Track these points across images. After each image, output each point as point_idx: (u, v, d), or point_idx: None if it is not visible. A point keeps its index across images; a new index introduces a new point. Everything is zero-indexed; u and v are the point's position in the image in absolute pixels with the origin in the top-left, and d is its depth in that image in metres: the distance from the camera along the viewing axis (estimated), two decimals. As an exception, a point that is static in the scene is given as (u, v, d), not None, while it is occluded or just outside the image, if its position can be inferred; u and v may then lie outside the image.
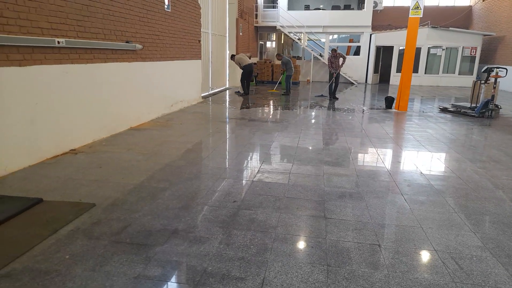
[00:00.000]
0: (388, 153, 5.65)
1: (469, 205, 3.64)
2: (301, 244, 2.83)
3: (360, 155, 5.52)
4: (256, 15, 18.34)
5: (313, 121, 8.23)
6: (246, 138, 6.35)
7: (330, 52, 12.35)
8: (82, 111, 5.43)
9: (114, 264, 2.50)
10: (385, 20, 20.74)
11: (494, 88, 8.82)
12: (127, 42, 6.49)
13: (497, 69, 8.85)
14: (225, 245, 2.78)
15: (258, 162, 4.98)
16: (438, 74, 17.82)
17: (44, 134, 4.72)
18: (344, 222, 3.21)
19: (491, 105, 8.82)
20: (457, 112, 9.44)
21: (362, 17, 18.28)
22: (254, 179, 4.26)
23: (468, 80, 17.44)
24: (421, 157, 5.44)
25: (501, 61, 16.39)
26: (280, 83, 14.88)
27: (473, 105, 9.21)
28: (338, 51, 12.23)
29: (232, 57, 12.53)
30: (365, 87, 16.91)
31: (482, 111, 8.85)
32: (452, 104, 9.84)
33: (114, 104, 6.24)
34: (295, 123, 7.83)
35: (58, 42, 4.83)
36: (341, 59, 11.95)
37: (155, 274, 2.41)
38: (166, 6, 8.00)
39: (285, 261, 2.59)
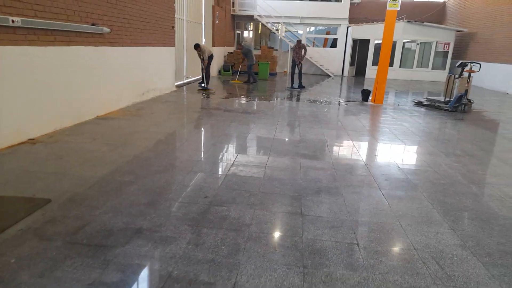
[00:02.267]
0: (365, 146, 5.55)
1: (447, 201, 3.56)
2: (276, 244, 2.64)
3: (336, 148, 5.39)
4: (233, 3, 17.92)
5: (289, 112, 8.06)
6: (221, 129, 6.09)
7: (296, 42, 12.60)
8: (43, 97, 5.01)
9: (67, 269, 2.22)
10: (361, 13, 20.77)
11: (468, 82, 8.92)
12: (93, 24, 6.05)
13: (471, 64, 8.94)
14: (194, 246, 2.55)
15: (233, 154, 4.75)
16: (412, 68, 18.05)
17: (-3, 122, 4.31)
18: (321, 220, 3.04)
19: (464, 100, 8.93)
20: (431, 106, 9.52)
21: (340, 10, 18.21)
22: (228, 173, 4.03)
23: (441, 75, 17.79)
24: (398, 150, 5.37)
25: (472, 56, 16.75)
26: (238, 72, 14.24)
27: (447, 99, 9.30)
28: (302, 43, 12.57)
29: (197, 46, 10.87)
30: (341, 80, 16.91)
31: (456, 105, 8.94)
32: (426, 98, 9.91)
33: (79, 90, 5.82)
34: (271, 114, 7.63)
35: (13, 21, 4.39)
36: (303, 50, 12.25)
37: (113, 280, 2.15)
38: (137, -12, 7.56)
39: (258, 263, 2.39)
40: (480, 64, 9.08)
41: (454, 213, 3.30)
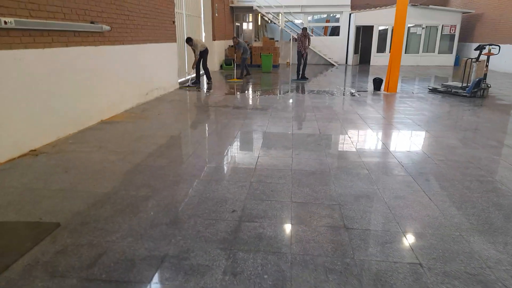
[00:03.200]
0: (392, 140, 5.17)
1: (502, 203, 3.18)
2: (327, 269, 2.26)
3: (361, 144, 4.98)
4: (232, -6, 17.39)
5: (301, 106, 7.65)
6: (234, 129, 5.70)
7: (301, 30, 11.89)
8: (42, 104, 4.61)
9: (87, 318, 1.85)
10: (363, -1, 20.18)
11: (487, 66, 8.49)
12: (92, 22, 5.62)
13: (490, 47, 8.50)
14: (232, 276, 2.17)
15: (253, 157, 4.36)
16: (418, 53, 17.56)
17: (-6, 134, 3.91)
18: (369, 234, 2.67)
19: (483, 84, 8.51)
20: (448, 92, 9.10)
21: (341, -4, 17.66)
22: (252, 180, 3.64)
23: (448, 59, 17.35)
24: (428, 144, 4.97)
25: (479, 39, 16.27)
26: (235, 69, 12.77)
27: (464, 84, 8.87)
28: (307, 31, 11.91)
29: (189, 40, 10.02)
30: (346, 69, 16.45)
31: (474, 91, 8.53)
32: (442, 84, 9.48)
33: (80, 94, 5.41)
34: (282, 110, 7.22)
35: (5, 23, 3.97)
36: (307, 40, 11.63)
37: (144, 330, 1.78)
38: (135, -18, 7.10)
39: (312, 296, 2.02)
40: (499, 47, 8.64)
41: (515, 217, 2.92)
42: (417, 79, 12.65)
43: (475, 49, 8.57)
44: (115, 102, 6.48)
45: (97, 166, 3.96)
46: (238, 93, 9.43)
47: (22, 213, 2.91)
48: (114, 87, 6.43)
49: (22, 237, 2.59)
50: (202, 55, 10.25)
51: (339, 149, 4.73)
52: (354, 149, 4.71)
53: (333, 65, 17.78)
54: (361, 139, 5.23)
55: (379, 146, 4.87)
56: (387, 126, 5.97)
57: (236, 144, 4.95)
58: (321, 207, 3.07)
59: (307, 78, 12.14)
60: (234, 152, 4.59)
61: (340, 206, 3.08)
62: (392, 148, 4.76)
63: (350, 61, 18.34)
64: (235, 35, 15.56)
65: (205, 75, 10.69)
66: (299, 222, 2.82)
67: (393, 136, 5.41)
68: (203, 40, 13.47)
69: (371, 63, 17.84)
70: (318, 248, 2.47)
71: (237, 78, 12.00)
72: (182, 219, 2.85)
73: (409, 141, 5.11)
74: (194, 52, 10.24)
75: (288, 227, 2.74)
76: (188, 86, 10.27)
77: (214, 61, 14.69)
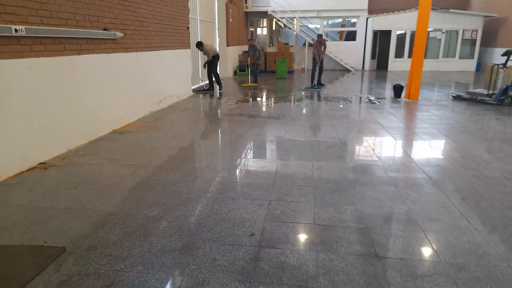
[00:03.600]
0: (419, 153, 4.84)
1: (551, 227, 2.85)
2: (360, 309, 1.99)
3: (386, 158, 4.66)
4: None
5: (319, 115, 7.36)
6: (249, 139, 5.46)
7: (317, 37, 11.58)
8: (53, 114, 4.46)
9: None
10: (380, 3, 19.77)
11: (515, 72, 8.07)
12: (105, 29, 5.48)
13: (518, 52, 8.08)
14: (253, 317, 1.92)
15: (271, 172, 4.10)
16: (438, 58, 17.05)
17: (4, 145, 3.75)
18: (405, 264, 2.37)
19: (511, 92, 8.08)
20: (473, 99, 8.68)
21: (358, 0, 17.32)
22: (271, 198, 3.39)
23: (469, 64, 16.82)
24: (458, 158, 4.62)
25: (503, 43, 15.71)
26: (249, 74, 12.52)
27: (490, 91, 8.45)
28: (324, 37, 11.54)
29: (199, 45, 9.72)
30: (363, 74, 16.08)
31: (501, 98, 8.10)
32: (466, 91, 9.07)
33: (92, 104, 5.26)
34: (300, 119, 6.96)
35: (16, 31, 3.83)
36: (323, 46, 11.31)
37: None
38: (149, -12, 6.97)
39: None
40: (529, 52, 8.21)
41: None
42: (438, 85, 12.23)
43: (503, 55, 8.16)
44: (127, 111, 6.32)
45: (107, 181, 3.77)
46: (252, 100, 9.21)
47: (26, 235, 2.71)
48: (127, 96, 6.28)
49: (24, 263, 2.39)
50: (212, 61, 10.03)
51: (362, 162, 4.44)
52: (379, 163, 4.40)
53: (349, 70, 17.43)
54: (385, 151, 4.92)
55: (405, 159, 4.56)
56: (412, 137, 5.65)
57: (252, 157, 4.70)
58: (348, 231, 2.79)
59: (323, 85, 11.82)
60: (251, 166, 4.34)
61: (369, 230, 2.80)
62: (419, 161, 4.44)
63: (367, 67, 17.96)
64: (250, 39, 15.13)
65: (215, 82, 10.40)
66: (326, 248, 2.55)
67: (419, 148, 5.08)
68: (217, 46, 13.30)
69: (388, 69, 17.41)
70: (349, 282, 2.19)
71: (252, 83, 11.90)
72: (196, 244, 2.61)
73: (437, 154, 4.78)
74: (209, 56, 9.95)
75: (313, 255, 2.47)
76: (204, 91, 10.12)
77: (228, 67, 14.53)
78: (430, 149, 4.99)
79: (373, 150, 4.95)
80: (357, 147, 5.15)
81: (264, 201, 3.33)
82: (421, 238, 2.70)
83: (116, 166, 4.22)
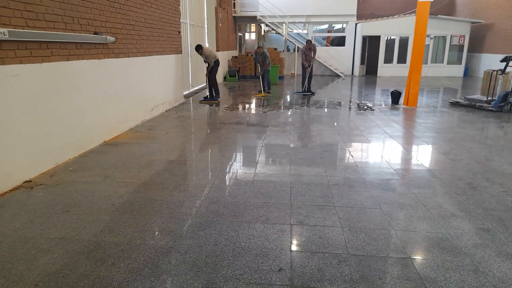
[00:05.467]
0: (448, 168, 4.57)
1: None
2: None
3: (400, 170, 4.38)
4: (234, 3, 16.93)
5: (320, 123, 7.07)
6: (255, 151, 5.10)
7: (306, 43, 11.15)
8: (39, 126, 4.00)
9: None
10: (367, 9, 19.81)
11: (514, 79, 7.99)
12: (95, 33, 5.04)
13: (518, 58, 8.01)
14: None
15: (284, 189, 3.74)
16: (426, 64, 17.06)
17: (-19, 166, 3.29)
18: (465, 305, 2.06)
19: (510, 98, 7.99)
20: (471, 106, 8.57)
21: (347, 6, 17.23)
22: (292, 222, 3.03)
23: (457, 70, 16.94)
24: (468, 170, 4.38)
25: (489, 49, 15.87)
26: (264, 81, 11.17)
27: (489, 98, 8.34)
28: (313, 43, 11.24)
29: (199, 48, 9.15)
30: (353, 80, 15.95)
31: (501, 105, 8.00)
32: (465, 97, 8.96)
33: (81, 113, 4.81)
34: (302, 127, 6.65)
35: (-3, 33, 3.38)
36: (312, 52, 10.93)
37: None
38: (141, -11, 6.55)
39: None
40: (528, 58, 8.15)
41: None
42: (430, 91, 12.15)
43: (501, 61, 8.08)
44: (119, 121, 5.87)
45: (103, 203, 3.34)
46: (249, 107, 8.85)
47: (12, 278, 2.27)
48: (118, 104, 5.83)
49: (11, 315, 1.96)
50: (213, 67, 9.43)
51: (381, 177, 4.13)
52: (397, 177, 4.11)
53: (339, 76, 17.29)
54: (403, 165, 4.64)
55: (426, 173, 4.27)
56: (425, 148, 5.39)
57: (261, 171, 4.34)
58: (389, 263, 2.45)
59: (313, 92, 11.28)
60: (261, 182, 3.97)
61: (412, 261, 2.47)
62: (442, 176, 4.16)
63: (356, 72, 17.87)
64: (260, 45, 14.30)
65: (213, 89, 9.81)
66: (369, 287, 2.21)
67: (437, 161, 4.82)
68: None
69: (378, 74, 17.37)
70: (407, 332, 1.86)
71: (266, 92, 10.95)
72: (218, 284, 2.22)
73: (457, 167, 4.52)
74: (209, 61, 9.30)
75: (356, 296, 2.13)
76: (210, 100, 9.46)
77: (218, 73, 14.11)
78: (447, 162, 4.72)
79: (387, 162, 4.65)
80: (370, 160, 4.85)
81: (285, 225, 2.97)
82: (473, 270, 2.38)
83: (111, 184, 3.79)
